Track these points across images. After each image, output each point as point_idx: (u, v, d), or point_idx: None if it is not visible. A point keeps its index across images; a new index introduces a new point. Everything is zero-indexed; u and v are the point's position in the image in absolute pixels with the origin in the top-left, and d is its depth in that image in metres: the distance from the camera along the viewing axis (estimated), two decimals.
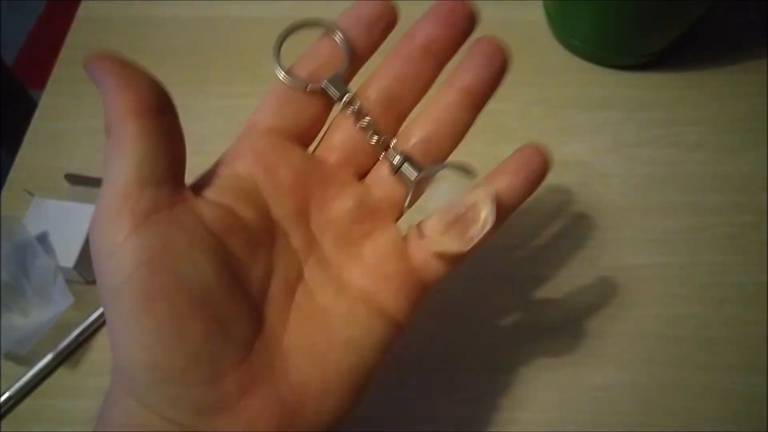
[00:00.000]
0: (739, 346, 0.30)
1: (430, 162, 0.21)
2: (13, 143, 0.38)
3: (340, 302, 0.20)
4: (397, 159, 0.21)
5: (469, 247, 0.20)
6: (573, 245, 0.33)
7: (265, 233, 0.20)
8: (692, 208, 0.35)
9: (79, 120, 0.38)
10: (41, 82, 0.40)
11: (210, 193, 0.19)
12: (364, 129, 0.21)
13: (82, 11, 0.43)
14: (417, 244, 0.21)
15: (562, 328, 0.31)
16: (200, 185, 0.20)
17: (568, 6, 0.39)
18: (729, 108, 0.38)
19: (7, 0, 1.27)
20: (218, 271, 0.18)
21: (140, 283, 0.17)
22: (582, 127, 0.38)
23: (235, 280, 0.18)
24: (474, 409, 0.29)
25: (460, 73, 0.21)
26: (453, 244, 0.20)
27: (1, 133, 0.64)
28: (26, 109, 0.40)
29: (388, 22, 0.21)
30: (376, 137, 0.21)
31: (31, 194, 0.34)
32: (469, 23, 0.21)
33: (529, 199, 0.35)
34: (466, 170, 0.21)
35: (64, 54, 0.41)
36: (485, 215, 0.20)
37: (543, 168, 0.21)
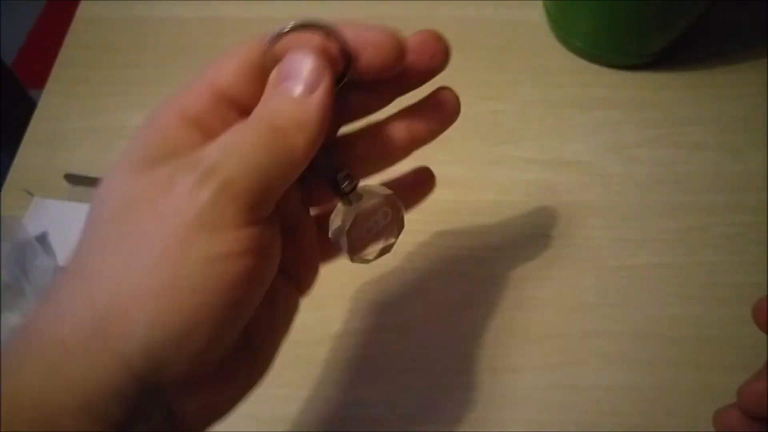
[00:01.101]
0: (739, 346, 0.30)
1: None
2: (13, 143, 0.38)
3: None
4: (345, 185, 0.20)
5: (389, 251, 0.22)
6: (573, 245, 0.33)
7: None
8: (692, 208, 0.35)
9: (79, 120, 0.38)
10: (41, 82, 0.40)
11: None
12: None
13: (81, 11, 0.43)
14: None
15: (562, 329, 0.31)
16: None
17: (568, 6, 0.39)
18: (729, 108, 0.38)
19: (7, 0, 1.27)
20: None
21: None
22: (582, 127, 0.38)
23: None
24: (474, 409, 0.29)
25: (417, 117, 0.21)
26: (373, 255, 0.22)
27: (1, 133, 0.64)
28: (26, 109, 0.40)
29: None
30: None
31: (31, 194, 0.34)
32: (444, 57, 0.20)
33: (529, 199, 0.35)
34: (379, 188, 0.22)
35: (64, 54, 0.41)
36: (400, 218, 0.22)
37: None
